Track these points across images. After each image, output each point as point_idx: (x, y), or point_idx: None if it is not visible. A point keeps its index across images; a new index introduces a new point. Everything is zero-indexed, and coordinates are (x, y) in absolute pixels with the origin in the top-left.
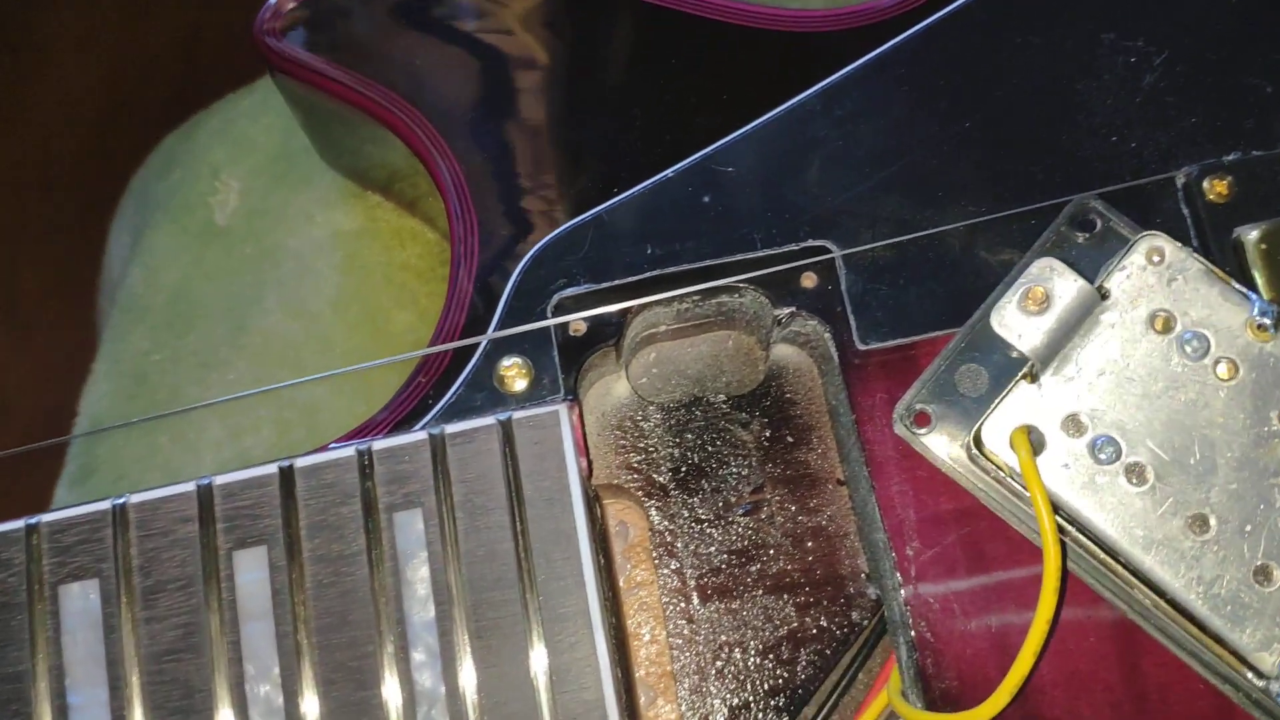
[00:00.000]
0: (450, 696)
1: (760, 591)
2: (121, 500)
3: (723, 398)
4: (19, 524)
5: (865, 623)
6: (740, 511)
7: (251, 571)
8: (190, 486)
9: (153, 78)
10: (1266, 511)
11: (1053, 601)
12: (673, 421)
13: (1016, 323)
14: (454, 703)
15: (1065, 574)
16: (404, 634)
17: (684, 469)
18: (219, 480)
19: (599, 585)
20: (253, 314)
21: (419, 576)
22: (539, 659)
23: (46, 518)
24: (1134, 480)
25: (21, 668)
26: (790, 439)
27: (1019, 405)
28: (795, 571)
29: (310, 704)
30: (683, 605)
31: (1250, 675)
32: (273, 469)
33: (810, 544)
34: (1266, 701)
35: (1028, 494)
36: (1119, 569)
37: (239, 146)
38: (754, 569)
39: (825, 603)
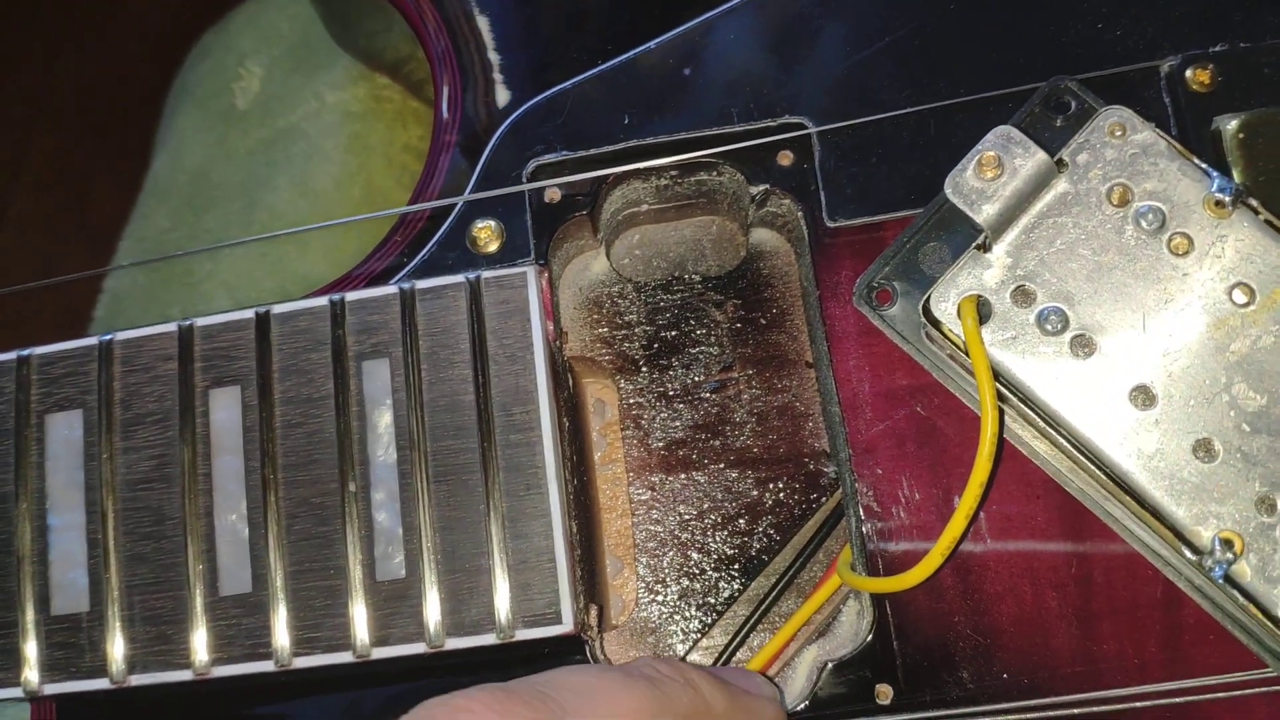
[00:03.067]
0: (407, 534)
1: (722, 465)
2: (108, 337)
3: (699, 278)
4: (11, 356)
5: (823, 499)
6: (708, 388)
7: (225, 409)
8: (172, 327)
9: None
10: (1212, 387)
11: (988, 466)
12: (649, 299)
13: (971, 190)
14: (410, 540)
15: (1003, 442)
16: (366, 474)
17: (656, 345)
18: (200, 322)
19: (555, 440)
20: (264, 193)
21: (383, 422)
22: (493, 504)
23: (38, 350)
24: (1080, 352)
25: (6, 490)
26: (763, 321)
27: (969, 275)
28: (757, 448)
29: (273, 535)
30: (646, 476)
31: (1186, 551)
32: (249, 314)
33: (775, 422)
34: (1201, 581)
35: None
36: (1061, 441)
37: (265, 35)
38: (717, 443)
39: (785, 479)
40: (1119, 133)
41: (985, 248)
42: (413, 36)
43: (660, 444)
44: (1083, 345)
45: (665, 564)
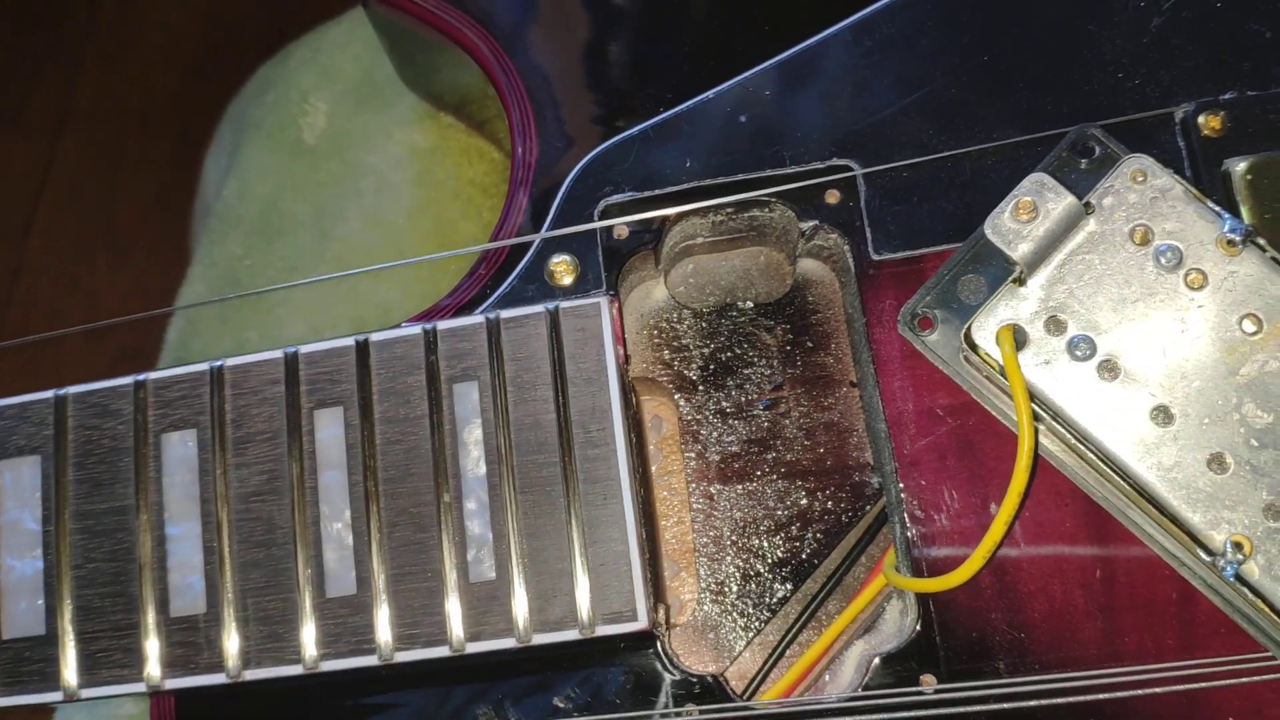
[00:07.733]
0: (496, 540)
1: (775, 477)
2: (219, 363)
3: (751, 305)
4: (128, 380)
5: (867, 507)
6: (760, 406)
7: (329, 428)
8: (278, 354)
9: (247, 14)
10: (1224, 407)
11: (1024, 478)
12: (704, 324)
13: (1008, 231)
14: (499, 546)
15: (1037, 456)
16: (459, 487)
17: (712, 367)
18: (304, 349)
19: (628, 454)
20: (335, 224)
21: (473, 439)
22: (574, 513)
23: (153, 375)
24: (1106, 375)
25: (127, 502)
26: (810, 344)
27: (1007, 306)
28: (807, 461)
29: (376, 542)
30: (705, 486)
31: (1201, 553)
32: (350, 341)
33: (822, 437)
34: (1214, 580)
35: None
36: (1089, 455)
37: (327, 73)
38: (770, 457)
39: (832, 489)
40: (1140, 179)
41: (1021, 281)
42: (479, 76)
43: (717, 457)
44: (1109, 369)
45: (723, 567)
